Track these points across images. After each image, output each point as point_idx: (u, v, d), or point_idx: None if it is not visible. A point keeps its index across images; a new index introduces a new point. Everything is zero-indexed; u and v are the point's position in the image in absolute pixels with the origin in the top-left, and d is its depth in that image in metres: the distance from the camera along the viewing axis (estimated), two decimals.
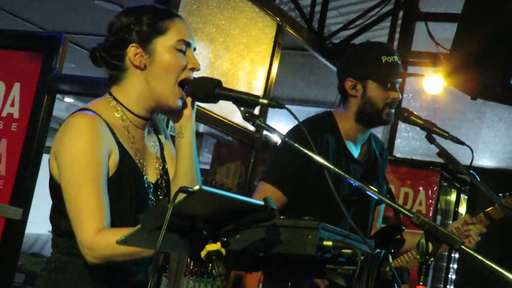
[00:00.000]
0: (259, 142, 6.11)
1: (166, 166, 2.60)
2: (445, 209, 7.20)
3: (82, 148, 2.29)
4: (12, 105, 5.09)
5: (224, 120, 5.62)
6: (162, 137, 2.66)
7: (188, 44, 2.48)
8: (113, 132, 2.40)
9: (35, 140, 5.00)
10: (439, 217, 6.97)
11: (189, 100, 2.52)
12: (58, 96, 5.61)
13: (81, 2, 8.27)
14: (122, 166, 2.39)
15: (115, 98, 2.47)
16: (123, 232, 1.87)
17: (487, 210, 3.71)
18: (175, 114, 2.53)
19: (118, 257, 2.27)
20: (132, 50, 2.43)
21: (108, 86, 2.52)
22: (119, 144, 2.40)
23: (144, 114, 2.49)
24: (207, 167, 6.89)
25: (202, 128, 5.98)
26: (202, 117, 5.38)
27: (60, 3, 8.46)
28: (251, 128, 5.98)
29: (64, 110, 12.42)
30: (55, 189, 2.39)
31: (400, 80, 3.48)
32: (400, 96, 3.47)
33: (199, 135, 6.12)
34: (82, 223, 2.26)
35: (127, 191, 2.38)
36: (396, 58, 3.44)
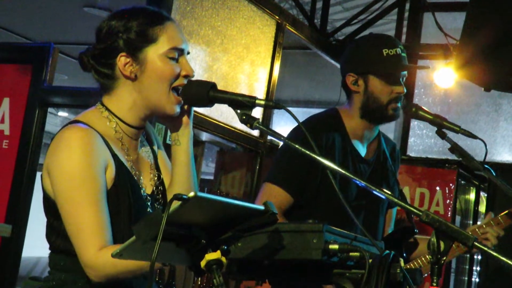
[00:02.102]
0: (263, 147, 6.12)
1: (161, 176, 2.62)
2: (464, 208, 7.19)
3: (77, 163, 2.30)
4: (2, 121, 5.12)
5: (226, 126, 5.63)
6: (155, 147, 2.67)
7: (180, 51, 2.48)
8: (108, 144, 2.40)
9: (28, 157, 5.02)
10: (458, 217, 6.95)
11: (185, 106, 2.53)
12: (52, 110, 5.65)
13: (70, 10, 8.30)
14: (118, 178, 2.40)
15: (107, 108, 2.48)
16: None
17: (506, 212, 3.70)
18: (172, 121, 2.54)
19: (123, 274, 2.29)
20: (121, 60, 2.43)
21: (100, 95, 2.52)
22: (115, 156, 2.41)
23: (138, 124, 2.50)
24: (212, 177, 6.90)
25: (204, 136, 5.98)
26: (203, 124, 5.39)
27: (48, 12, 8.49)
28: (255, 133, 6.00)
29: (59, 125, 12.43)
30: (50, 206, 2.40)
31: (405, 73, 3.48)
32: (405, 90, 3.46)
33: (201, 144, 6.13)
34: (83, 242, 2.27)
35: (125, 204, 2.39)
36: (399, 50, 3.42)
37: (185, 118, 2.54)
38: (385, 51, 3.41)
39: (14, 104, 5.12)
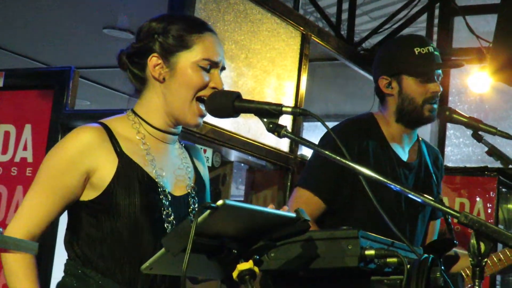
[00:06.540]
0: (294, 163, 6.12)
1: (196, 189, 2.64)
2: (507, 218, 7.12)
3: (55, 161, 2.44)
4: (25, 148, 5.15)
5: (255, 142, 5.63)
6: (199, 165, 2.73)
7: (214, 63, 2.55)
8: (117, 142, 2.48)
9: None
10: (501, 227, 6.88)
11: None
12: None
13: (89, 33, 8.36)
14: (123, 172, 2.45)
15: (134, 113, 2.57)
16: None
17: None
18: None
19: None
20: (153, 60, 2.53)
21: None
22: (120, 154, 2.47)
23: (164, 127, 2.57)
24: (242, 198, 6.90)
25: (233, 155, 5.97)
26: (231, 141, 5.40)
27: (67, 37, 8.56)
28: (285, 149, 6.00)
29: None
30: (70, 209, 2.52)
31: (440, 71, 3.47)
32: (441, 89, 3.45)
33: (229, 164, 6.13)
34: (15, 221, 2.43)
35: (132, 196, 2.44)
36: (431, 48, 3.43)
37: None
38: (417, 49, 3.41)
39: (36, 130, 5.16)
